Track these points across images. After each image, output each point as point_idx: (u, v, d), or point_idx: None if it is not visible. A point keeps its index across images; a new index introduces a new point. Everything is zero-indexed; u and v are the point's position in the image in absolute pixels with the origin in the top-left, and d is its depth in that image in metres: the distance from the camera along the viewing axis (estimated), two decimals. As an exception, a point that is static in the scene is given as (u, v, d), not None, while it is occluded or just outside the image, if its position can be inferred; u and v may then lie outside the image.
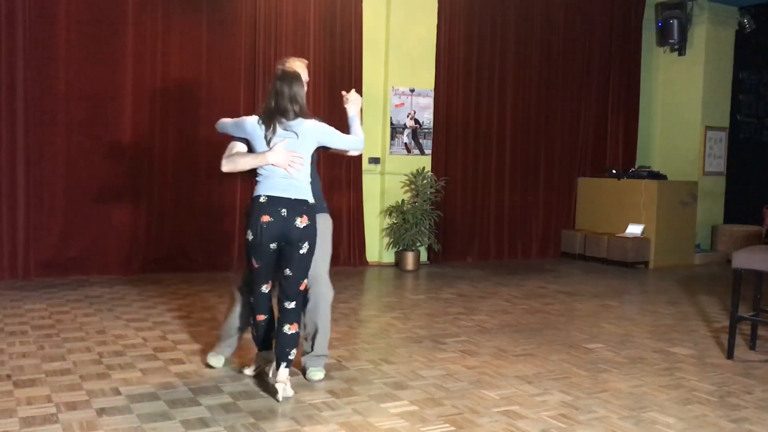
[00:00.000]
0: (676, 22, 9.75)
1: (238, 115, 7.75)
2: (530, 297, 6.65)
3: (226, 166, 3.70)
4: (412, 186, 8.23)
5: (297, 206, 3.57)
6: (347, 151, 4.07)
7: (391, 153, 8.23)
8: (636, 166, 9.78)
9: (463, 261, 8.83)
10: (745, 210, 10.18)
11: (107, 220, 6.84)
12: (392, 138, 8.23)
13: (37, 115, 6.48)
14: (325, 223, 3.93)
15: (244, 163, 3.64)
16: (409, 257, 8.02)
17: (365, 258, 8.14)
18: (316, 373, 3.90)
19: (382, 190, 8.26)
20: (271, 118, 3.60)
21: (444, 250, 8.55)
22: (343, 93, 4.04)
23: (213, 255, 7.34)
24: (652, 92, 10.38)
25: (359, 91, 7.91)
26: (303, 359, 3.98)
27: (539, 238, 9.48)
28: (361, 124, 4.02)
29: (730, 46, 10.14)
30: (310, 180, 3.71)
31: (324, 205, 4.03)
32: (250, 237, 3.58)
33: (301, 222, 3.56)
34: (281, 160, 3.55)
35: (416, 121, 8.34)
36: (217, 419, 3.27)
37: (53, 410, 3.28)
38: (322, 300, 3.93)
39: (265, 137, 3.60)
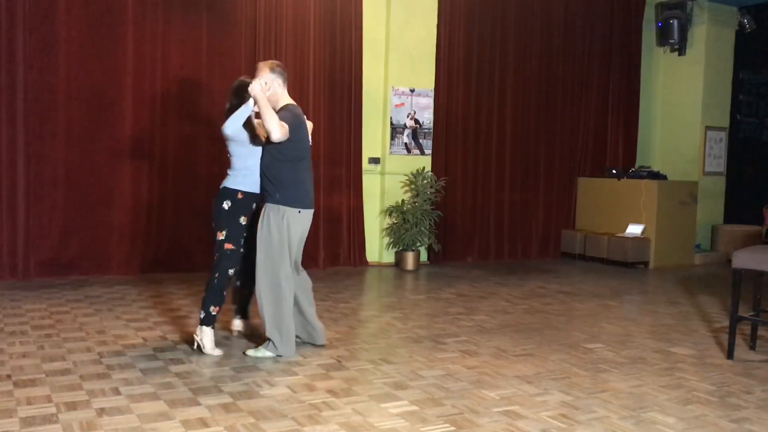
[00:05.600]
0: (676, 22, 9.75)
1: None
2: (530, 297, 6.65)
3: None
4: (412, 186, 8.23)
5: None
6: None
7: (391, 153, 8.23)
8: (636, 166, 9.78)
9: (463, 261, 8.83)
10: (745, 210, 10.18)
11: (107, 220, 6.84)
12: (392, 138, 8.23)
13: (37, 115, 6.48)
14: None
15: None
16: (409, 257, 8.02)
17: (365, 258, 8.14)
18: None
19: (382, 190, 8.26)
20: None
21: (444, 250, 8.55)
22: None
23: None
24: (652, 92, 10.38)
25: (359, 91, 7.94)
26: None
27: (539, 238, 9.48)
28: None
29: (730, 46, 10.15)
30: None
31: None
32: None
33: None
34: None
35: (416, 121, 8.34)
36: (217, 419, 3.27)
37: (53, 410, 3.28)
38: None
39: None
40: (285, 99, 4.38)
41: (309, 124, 4.53)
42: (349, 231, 7.99)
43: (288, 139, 4.16)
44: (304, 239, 4.48)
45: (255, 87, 4.14)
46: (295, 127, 4.22)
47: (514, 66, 9.07)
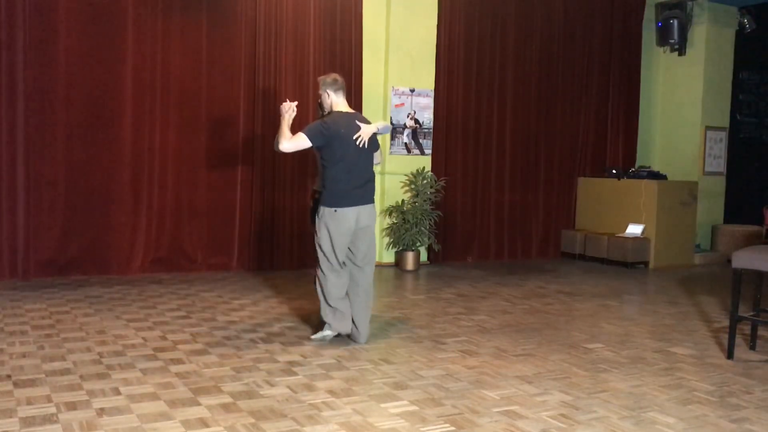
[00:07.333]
0: (676, 22, 9.75)
1: (238, 115, 7.75)
2: (530, 297, 6.64)
3: None
4: (412, 186, 8.23)
5: None
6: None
7: (391, 153, 8.23)
8: (636, 166, 9.78)
9: (463, 261, 8.83)
10: (745, 210, 10.18)
11: (107, 220, 6.84)
12: (392, 138, 8.22)
13: (37, 115, 6.47)
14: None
15: None
16: (409, 257, 8.02)
17: (365, 258, 8.13)
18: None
19: (382, 190, 8.25)
20: None
21: (444, 250, 8.55)
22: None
23: (213, 255, 7.34)
24: (652, 92, 10.38)
25: (359, 91, 7.94)
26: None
27: (539, 238, 9.48)
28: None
29: (730, 46, 10.14)
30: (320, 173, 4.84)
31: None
32: None
33: None
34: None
35: (416, 121, 8.34)
36: (217, 419, 3.27)
37: (53, 410, 3.29)
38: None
39: None
40: (337, 106, 4.74)
41: (366, 128, 4.62)
42: (349, 231, 7.98)
43: (312, 146, 4.57)
44: (364, 238, 4.66)
45: (283, 105, 4.61)
46: (313, 135, 4.53)
47: (514, 66, 9.07)
